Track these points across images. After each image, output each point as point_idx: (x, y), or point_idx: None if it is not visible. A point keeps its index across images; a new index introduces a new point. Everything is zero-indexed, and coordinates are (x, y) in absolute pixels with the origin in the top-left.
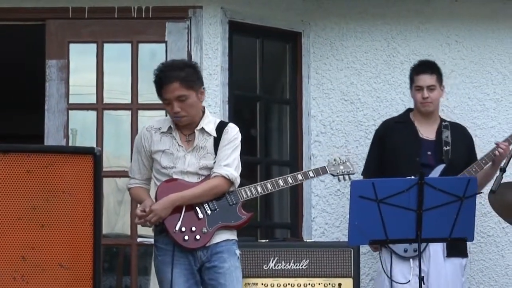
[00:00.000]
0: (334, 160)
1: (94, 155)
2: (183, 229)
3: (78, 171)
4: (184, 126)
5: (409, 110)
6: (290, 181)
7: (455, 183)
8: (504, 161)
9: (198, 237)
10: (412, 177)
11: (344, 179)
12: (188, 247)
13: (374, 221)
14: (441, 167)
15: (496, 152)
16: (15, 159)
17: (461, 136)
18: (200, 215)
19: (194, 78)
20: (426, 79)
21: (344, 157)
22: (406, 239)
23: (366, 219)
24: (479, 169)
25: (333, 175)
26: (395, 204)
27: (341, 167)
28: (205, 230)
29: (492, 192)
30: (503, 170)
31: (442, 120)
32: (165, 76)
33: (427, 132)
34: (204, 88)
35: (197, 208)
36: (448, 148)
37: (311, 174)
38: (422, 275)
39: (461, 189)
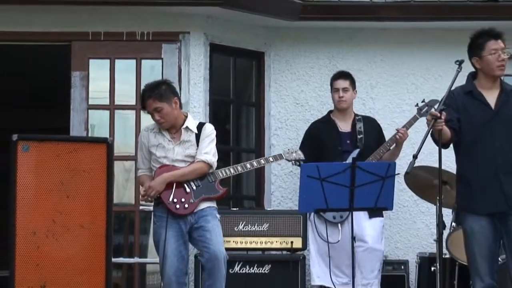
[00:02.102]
0: (288, 149)
1: (107, 144)
2: (175, 200)
3: (95, 156)
4: (170, 127)
5: (330, 112)
6: (255, 164)
7: (379, 166)
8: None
9: (186, 206)
10: (345, 161)
11: (295, 164)
12: (179, 213)
13: (318, 195)
14: (356, 151)
15: (397, 136)
16: (48, 146)
17: (371, 126)
18: (188, 190)
19: (166, 93)
20: (341, 83)
21: (296, 147)
22: (342, 208)
23: (312, 193)
24: (385, 150)
25: (288, 160)
26: (334, 182)
27: (294, 155)
28: (192, 201)
29: (407, 173)
30: (415, 157)
31: (355, 115)
32: (144, 95)
33: (344, 126)
34: (178, 98)
35: (185, 184)
36: (361, 136)
37: (271, 159)
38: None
39: (383, 171)
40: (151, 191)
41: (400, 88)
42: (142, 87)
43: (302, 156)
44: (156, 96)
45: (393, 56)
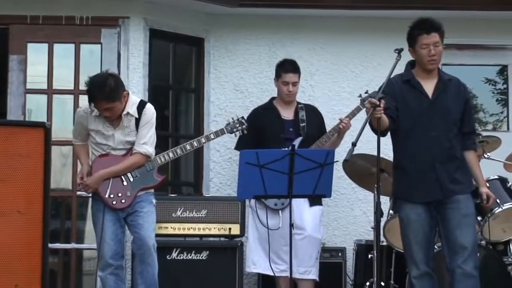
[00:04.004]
0: (232, 119)
1: (45, 128)
2: (112, 195)
3: (33, 140)
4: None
5: (272, 99)
6: (196, 144)
7: (318, 154)
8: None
9: (123, 201)
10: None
11: (240, 133)
12: (116, 209)
13: (257, 181)
14: (299, 139)
15: (340, 126)
16: None
17: (313, 114)
18: (125, 182)
19: (116, 92)
20: (292, 77)
21: (240, 115)
22: (281, 195)
23: (251, 180)
24: (328, 139)
25: (231, 132)
26: (273, 169)
27: (237, 125)
28: (129, 194)
29: (345, 161)
30: (354, 144)
31: (298, 103)
32: (94, 95)
33: (287, 113)
34: (126, 91)
35: (122, 176)
36: (304, 124)
37: (212, 136)
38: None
39: (322, 158)
40: (87, 188)
41: (339, 76)
42: (86, 81)
43: (245, 125)
44: (107, 97)
45: (333, 44)
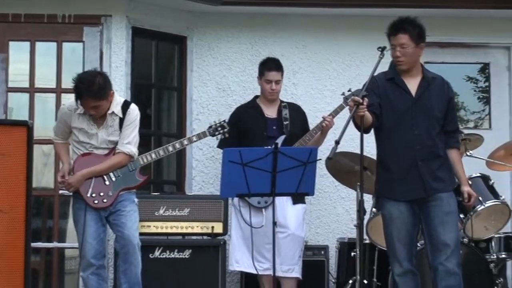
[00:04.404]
0: (214, 122)
1: (27, 127)
2: (94, 194)
3: (15, 139)
4: None
5: (256, 97)
6: (178, 146)
7: (301, 152)
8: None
9: (105, 200)
10: (268, 147)
11: (223, 136)
12: (97, 208)
13: (240, 180)
14: (282, 137)
15: (323, 124)
16: None
17: (296, 113)
18: (107, 182)
19: (104, 90)
20: (275, 75)
21: (222, 119)
22: (264, 193)
23: (234, 178)
24: (311, 137)
25: (212, 135)
26: (256, 167)
27: (219, 129)
28: (111, 193)
29: (329, 159)
30: (337, 142)
31: (281, 101)
32: (81, 92)
33: (270, 112)
34: (112, 91)
35: (104, 176)
36: (287, 122)
37: (194, 138)
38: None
39: (305, 156)
40: (69, 187)
41: (322, 74)
42: (74, 77)
43: (227, 129)
44: (95, 95)
45: (316, 42)
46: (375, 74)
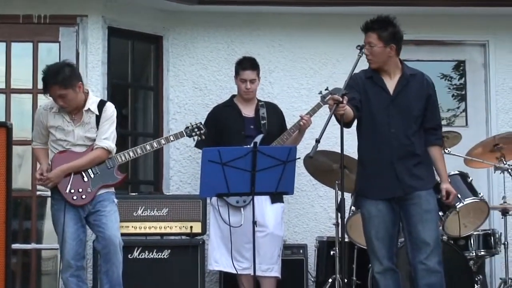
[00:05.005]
0: (190, 124)
1: (7, 128)
2: (72, 190)
3: None
4: (71, 110)
5: (233, 96)
6: (155, 145)
7: (280, 151)
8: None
9: (84, 196)
10: (246, 146)
11: (199, 138)
12: (76, 204)
13: (220, 179)
14: (260, 136)
15: (301, 123)
16: None
17: (273, 111)
18: (85, 179)
19: (70, 79)
20: (249, 74)
21: (199, 121)
22: (244, 193)
23: (213, 177)
24: (289, 136)
25: (189, 136)
26: (235, 166)
27: (196, 130)
28: (90, 190)
29: (309, 157)
30: (318, 141)
31: (258, 100)
32: (47, 81)
33: (248, 111)
34: (81, 82)
35: (83, 173)
36: (265, 121)
37: (171, 138)
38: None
39: (285, 155)
40: (48, 182)
41: (298, 73)
42: (43, 69)
43: (203, 130)
44: (60, 83)
45: (292, 41)
46: (356, 72)
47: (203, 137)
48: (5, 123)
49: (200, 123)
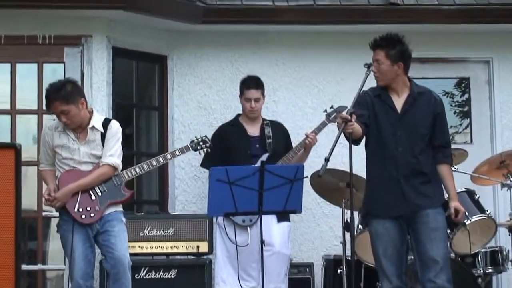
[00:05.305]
0: (196, 137)
1: (15, 149)
2: (80, 209)
3: (3, 161)
4: (76, 127)
5: (238, 115)
6: (162, 160)
7: (287, 170)
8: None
9: (92, 214)
10: (254, 165)
11: (204, 152)
12: (85, 223)
13: (227, 198)
14: (265, 155)
15: (306, 141)
16: None
17: (279, 130)
18: (93, 197)
19: (72, 95)
20: (254, 93)
21: (204, 134)
22: (251, 212)
23: (221, 197)
24: (294, 155)
25: (195, 150)
26: (243, 185)
27: (201, 143)
28: (97, 208)
29: (319, 176)
30: (327, 160)
31: (263, 119)
32: (49, 97)
33: (253, 130)
34: (84, 99)
35: (90, 191)
36: (270, 140)
37: (177, 152)
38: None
39: (292, 174)
40: (55, 202)
41: (302, 91)
42: (46, 87)
43: (209, 143)
44: (62, 98)
45: (296, 60)
46: (364, 89)
47: (209, 150)
48: (14, 144)
49: (205, 136)
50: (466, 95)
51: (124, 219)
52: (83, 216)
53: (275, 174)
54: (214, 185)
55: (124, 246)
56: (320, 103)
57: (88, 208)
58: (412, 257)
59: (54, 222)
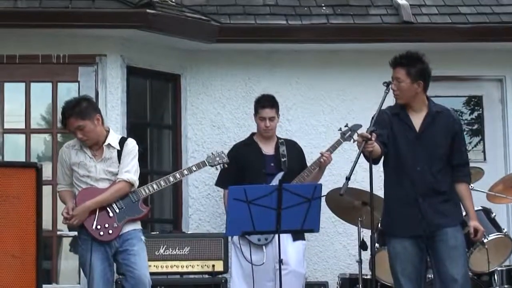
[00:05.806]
0: (212, 153)
1: (36, 168)
2: (99, 226)
3: (24, 181)
4: (92, 144)
5: (253, 134)
6: (178, 176)
7: (305, 188)
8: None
9: (110, 231)
10: (272, 184)
11: (221, 167)
12: (103, 240)
13: (245, 217)
14: (280, 174)
15: (321, 160)
16: None
17: (293, 149)
18: (111, 214)
19: (87, 111)
20: (268, 112)
21: (220, 150)
22: (269, 231)
23: (239, 216)
24: (309, 173)
25: (212, 166)
26: (260, 204)
27: (217, 159)
28: (116, 225)
29: (340, 195)
30: (348, 178)
31: (278, 138)
32: (65, 113)
33: (268, 149)
34: (100, 115)
35: (108, 208)
36: (285, 159)
37: (194, 168)
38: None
39: (310, 193)
40: (73, 220)
41: (316, 110)
42: (62, 105)
43: (226, 159)
44: (77, 114)
45: (309, 78)
46: (382, 108)
47: (226, 166)
48: (35, 164)
49: (222, 152)
50: (476, 113)
51: (143, 238)
52: (102, 233)
53: (293, 193)
54: (232, 204)
55: (144, 265)
56: (334, 122)
57: (106, 225)
58: (431, 276)
59: (66, 241)
